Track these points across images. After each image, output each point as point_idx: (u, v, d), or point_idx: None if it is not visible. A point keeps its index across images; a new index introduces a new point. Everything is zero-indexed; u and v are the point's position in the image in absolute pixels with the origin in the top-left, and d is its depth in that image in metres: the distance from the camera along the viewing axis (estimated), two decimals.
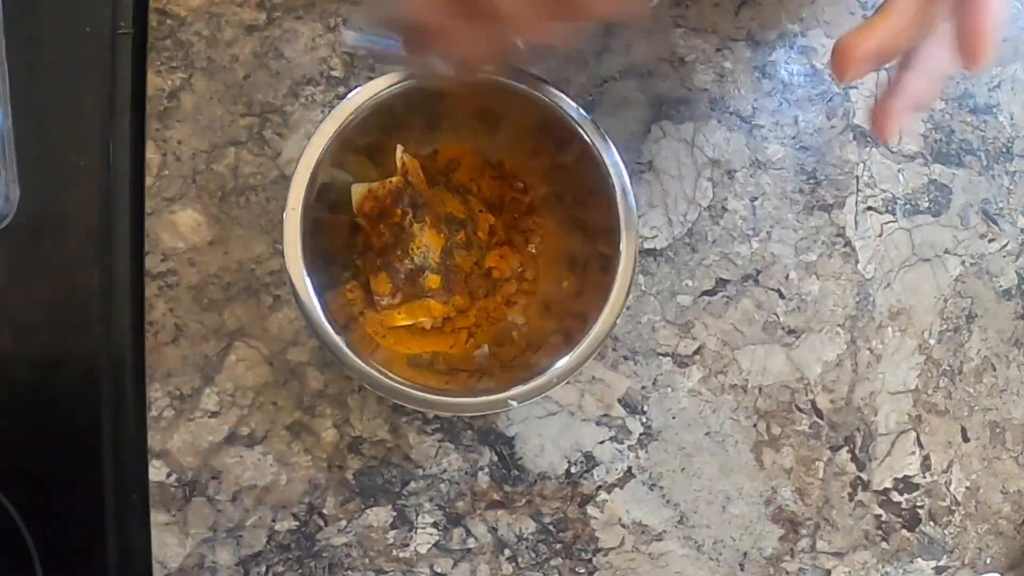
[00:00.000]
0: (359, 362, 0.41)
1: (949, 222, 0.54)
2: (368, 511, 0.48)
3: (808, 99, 0.53)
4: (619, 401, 0.50)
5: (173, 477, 0.47)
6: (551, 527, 0.49)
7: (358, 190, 0.46)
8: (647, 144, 0.51)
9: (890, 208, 0.53)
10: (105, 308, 0.47)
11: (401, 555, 0.48)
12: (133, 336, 0.47)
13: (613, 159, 0.43)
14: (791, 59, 0.53)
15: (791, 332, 0.51)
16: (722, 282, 0.51)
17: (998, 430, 0.53)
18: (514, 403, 0.41)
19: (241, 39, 0.49)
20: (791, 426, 0.51)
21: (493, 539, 0.48)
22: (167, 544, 0.46)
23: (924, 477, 0.52)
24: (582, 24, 0.32)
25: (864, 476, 0.51)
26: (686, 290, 0.51)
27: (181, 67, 0.48)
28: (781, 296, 0.51)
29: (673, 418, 0.50)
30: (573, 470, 0.49)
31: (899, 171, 0.53)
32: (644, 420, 0.50)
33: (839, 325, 0.52)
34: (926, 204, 0.53)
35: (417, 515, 0.48)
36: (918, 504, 0.52)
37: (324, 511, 0.47)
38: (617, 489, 0.49)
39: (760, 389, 0.51)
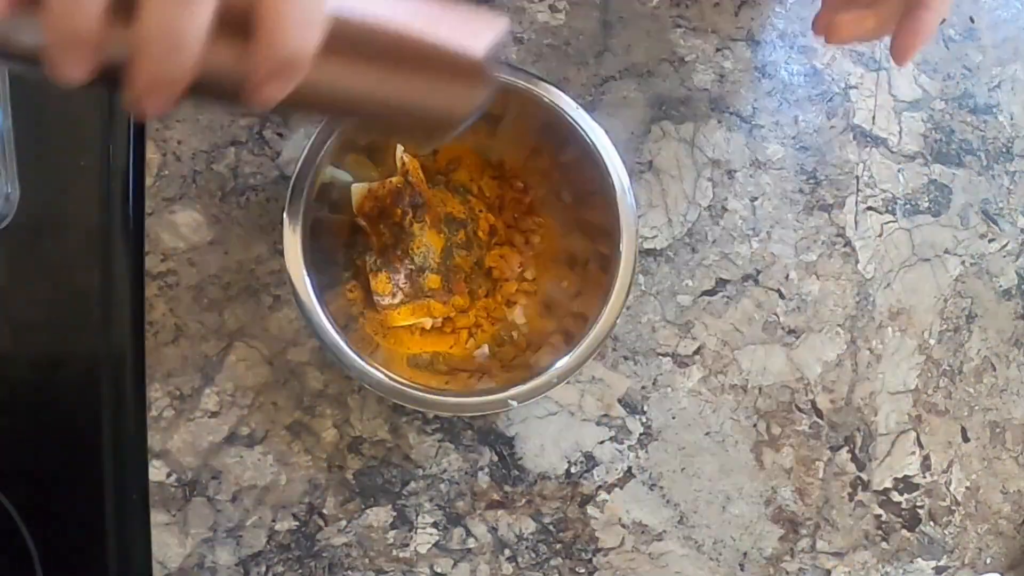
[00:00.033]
0: (359, 362, 0.41)
1: (949, 222, 0.54)
2: (368, 511, 0.48)
3: (808, 99, 0.53)
4: (619, 401, 0.50)
5: (173, 477, 0.47)
6: (551, 527, 0.49)
7: (358, 190, 0.46)
8: (647, 144, 0.51)
9: (890, 208, 0.53)
10: (105, 308, 0.46)
11: (401, 555, 0.48)
12: (133, 336, 0.47)
13: (613, 159, 0.43)
14: (791, 59, 0.53)
15: (791, 332, 0.51)
16: (722, 282, 0.51)
17: (998, 430, 0.53)
18: (514, 403, 0.41)
19: None
20: (791, 426, 0.51)
21: (493, 539, 0.48)
22: (167, 544, 0.46)
23: (924, 477, 0.52)
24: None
25: (864, 476, 0.51)
26: (686, 290, 0.51)
27: None
28: (781, 296, 0.51)
29: (673, 418, 0.50)
30: (573, 470, 0.49)
31: (899, 171, 0.53)
32: (644, 420, 0.50)
33: (839, 325, 0.52)
34: (926, 204, 0.53)
35: (417, 515, 0.48)
36: (918, 504, 0.52)
37: (324, 511, 0.47)
38: (617, 489, 0.49)
39: (760, 389, 0.51)
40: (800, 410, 0.51)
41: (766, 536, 0.50)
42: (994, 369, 0.53)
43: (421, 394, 0.41)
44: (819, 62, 0.53)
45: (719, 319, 0.51)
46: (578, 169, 0.44)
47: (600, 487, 0.49)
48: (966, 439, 0.53)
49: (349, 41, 0.28)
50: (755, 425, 0.51)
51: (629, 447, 0.50)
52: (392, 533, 0.48)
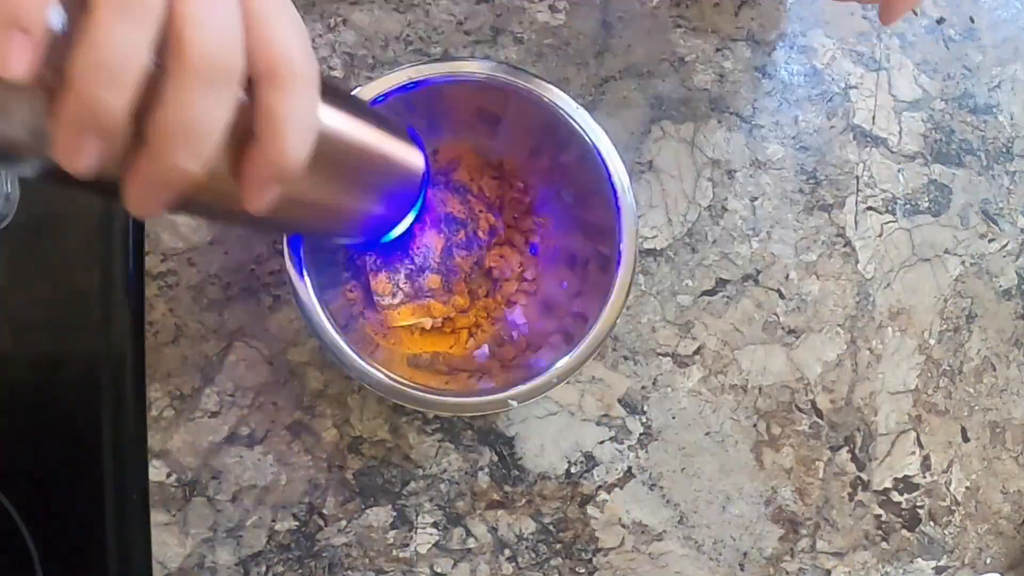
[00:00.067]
0: (359, 362, 0.41)
1: (949, 222, 0.54)
2: (368, 511, 0.48)
3: (808, 99, 0.53)
4: (619, 401, 0.50)
5: (173, 477, 0.47)
6: (551, 527, 0.49)
7: None
8: (647, 144, 0.51)
9: (890, 208, 0.53)
10: (105, 308, 0.47)
11: (401, 555, 0.48)
12: (133, 336, 0.47)
13: (613, 159, 0.43)
14: (791, 59, 0.53)
15: (791, 332, 0.51)
16: (722, 282, 0.51)
17: (998, 430, 0.53)
18: (514, 403, 0.41)
19: None
20: (791, 426, 0.51)
21: (493, 539, 0.48)
22: (167, 544, 0.46)
23: (924, 477, 0.52)
24: None
25: (864, 476, 0.51)
26: (686, 290, 0.51)
27: None
28: (781, 296, 0.51)
29: (673, 418, 0.50)
30: (573, 470, 0.49)
31: (899, 171, 0.53)
32: (644, 420, 0.50)
33: (839, 325, 0.52)
34: (926, 204, 0.53)
35: (417, 515, 0.48)
36: (918, 504, 0.52)
37: (324, 511, 0.47)
38: (617, 489, 0.49)
39: (760, 389, 0.51)
40: (800, 410, 0.51)
41: (766, 536, 0.50)
42: (994, 369, 0.53)
43: (421, 394, 0.41)
44: (819, 62, 0.53)
45: (719, 319, 0.51)
46: (578, 169, 0.44)
47: (600, 487, 0.49)
48: (966, 439, 0.53)
49: (327, 149, 0.31)
50: (755, 425, 0.51)
51: (629, 447, 0.50)
52: (392, 533, 0.48)
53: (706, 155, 0.52)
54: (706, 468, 0.50)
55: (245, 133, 0.26)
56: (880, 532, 0.51)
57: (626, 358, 0.50)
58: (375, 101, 0.42)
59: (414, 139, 0.39)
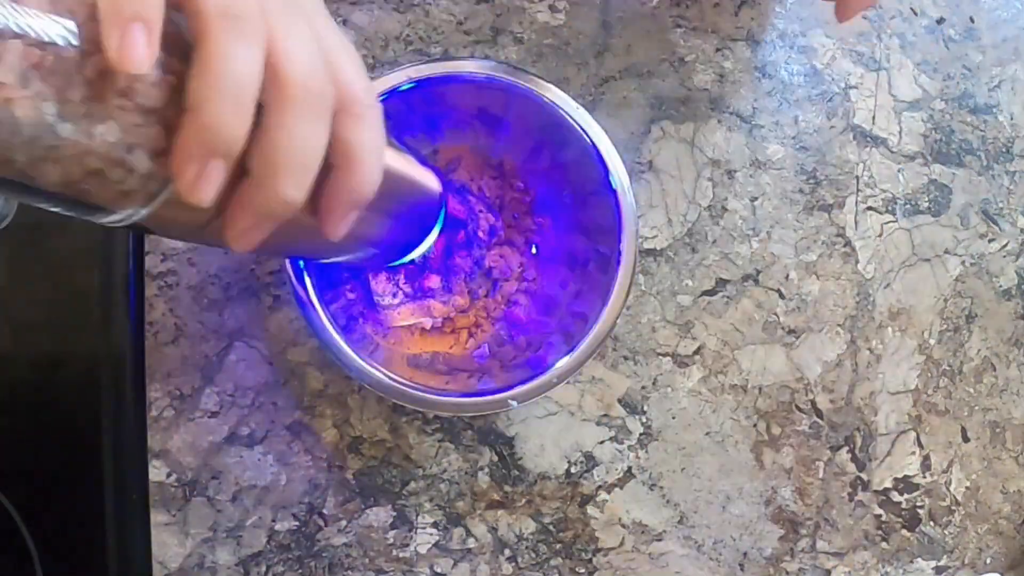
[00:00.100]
0: (359, 362, 0.41)
1: (949, 222, 0.54)
2: (368, 511, 0.48)
3: (808, 99, 0.53)
4: (619, 401, 0.50)
5: (173, 477, 0.47)
6: (551, 527, 0.49)
7: None
8: (647, 144, 0.51)
9: (890, 208, 0.53)
10: (105, 308, 0.47)
11: (401, 555, 0.48)
12: (133, 336, 0.47)
13: (613, 159, 0.43)
14: (791, 59, 0.53)
15: (791, 332, 0.51)
16: (722, 282, 0.51)
17: (998, 430, 0.53)
18: (514, 403, 0.41)
19: None
20: (791, 426, 0.51)
21: (493, 539, 0.48)
22: (167, 544, 0.46)
23: (924, 477, 0.52)
24: None
25: (864, 476, 0.51)
26: (686, 290, 0.51)
27: None
28: (781, 296, 0.51)
29: (673, 418, 0.50)
30: (573, 470, 0.49)
31: (899, 171, 0.53)
32: (644, 420, 0.50)
33: (839, 325, 0.52)
34: (926, 204, 0.53)
35: (417, 515, 0.48)
36: (918, 504, 0.52)
37: (324, 511, 0.47)
38: (617, 489, 0.49)
39: (760, 389, 0.51)
40: (800, 410, 0.51)
41: (766, 536, 0.50)
42: (994, 369, 0.53)
43: (421, 394, 0.41)
44: (819, 62, 0.53)
45: (719, 319, 0.51)
46: (578, 169, 0.44)
47: (600, 487, 0.49)
48: (966, 439, 0.53)
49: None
50: (755, 425, 0.51)
51: (629, 447, 0.50)
52: (392, 533, 0.48)
53: (706, 155, 0.52)
54: (706, 468, 0.50)
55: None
56: (880, 532, 0.51)
57: (626, 358, 0.50)
58: None
59: (424, 163, 0.40)
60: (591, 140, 0.43)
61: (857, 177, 0.53)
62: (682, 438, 0.50)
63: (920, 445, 0.52)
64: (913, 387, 0.52)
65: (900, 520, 0.52)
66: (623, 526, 0.49)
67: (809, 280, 0.52)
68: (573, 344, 0.42)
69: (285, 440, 0.47)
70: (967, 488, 0.52)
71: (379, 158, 0.28)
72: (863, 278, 0.52)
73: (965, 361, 0.53)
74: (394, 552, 0.48)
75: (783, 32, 0.53)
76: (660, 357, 0.50)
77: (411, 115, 0.44)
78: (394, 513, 0.48)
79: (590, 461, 0.49)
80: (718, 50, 0.52)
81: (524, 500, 0.49)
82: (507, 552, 0.48)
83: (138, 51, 0.21)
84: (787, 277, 0.52)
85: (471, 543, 0.48)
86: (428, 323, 0.47)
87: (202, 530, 0.47)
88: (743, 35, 0.52)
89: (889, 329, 0.52)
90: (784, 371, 0.51)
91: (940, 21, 0.55)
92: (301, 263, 0.41)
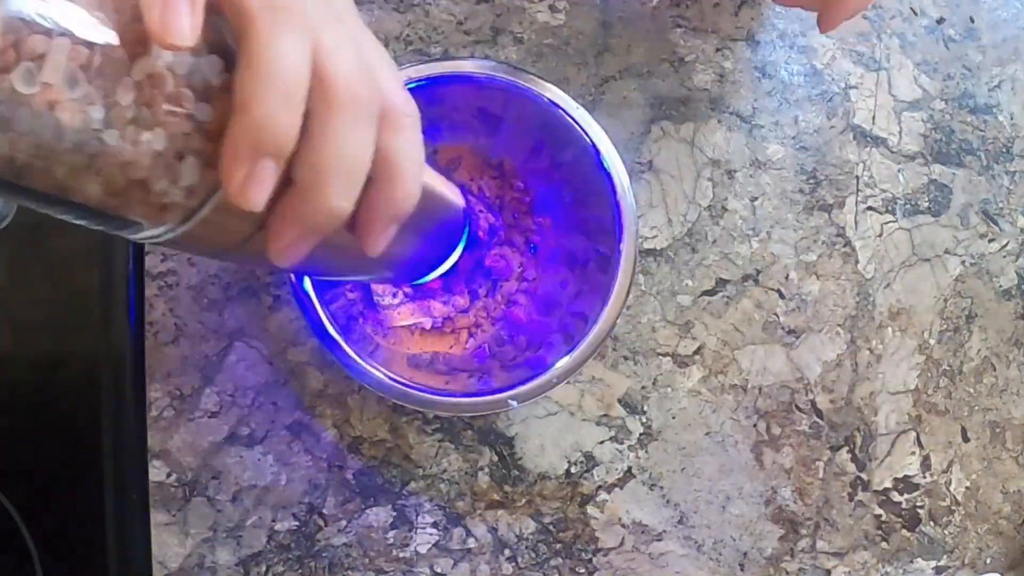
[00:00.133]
0: (359, 362, 0.41)
1: (949, 222, 0.54)
2: (368, 511, 0.48)
3: (808, 99, 0.53)
4: (619, 401, 0.50)
5: (173, 477, 0.47)
6: (551, 527, 0.49)
7: None
8: (647, 144, 0.51)
9: (890, 208, 0.53)
10: (105, 308, 0.47)
11: (401, 555, 0.48)
12: (133, 336, 0.47)
13: (613, 159, 0.43)
14: (791, 59, 0.53)
15: (791, 332, 0.51)
16: (722, 282, 0.51)
17: (998, 430, 0.53)
18: (514, 403, 0.41)
19: None
20: (791, 426, 0.51)
21: (493, 539, 0.48)
22: (167, 544, 0.46)
23: (924, 477, 0.52)
24: None
25: (864, 476, 0.51)
26: (686, 290, 0.51)
27: None
28: (781, 296, 0.51)
29: (673, 418, 0.50)
30: (573, 470, 0.49)
31: (899, 171, 0.53)
32: (644, 420, 0.50)
33: (839, 325, 0.52)
34: (926, 204, 0.53)
35: (417, 515, 0.48)
36: (918, 504, 0.52)
37: (324, 511, 0.47)
38: (617, 489, 0.49)
39: (760, 389, 0.51)
40: (800, 410, 0.51)
41: (766, 536, 0.50)
42: (994, 369, 0.53)
43: (421, 394, 0.41)
44: (819, 62, 0.53)
45: (719, 319, 0.51)
46: (578, 169, 0.44)
47: (600, 487, 0.49)
48: (966, 439, 0.53)
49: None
50: (755, 425, 0.51)
51: (629, 447, 0.50)
52: (392, 533, 0.48)
53: (706, 155, 0.52)
54: (706, 468, 0.50)
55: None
56: (880, 532, 0.51)
57: (626, 358, 0.50)
58: None
59: (450, 178, 0.40)
60: (591, 140, 0.43)
61: (857, 177, 0.53)
62: (682, 438, 0.50)
63: (920, 445, 0.52)
64: (913, 387, 0.52)
65: (900, 520, 0.52)
66: (623, 526, 0.49)
67: (809, 280, 0.52)
68: (573, 344, 0.42)
69: (285, 440, 0.47)
70: (967, 488, 0.52)
71: (420, 170, 0.27)
72: (863, 278, 0.52)
73: (965, 361, 0.53)
74: (394, 552, 0.48)
75: (783, 32, 0.53)
76: (660, 357, 0.50)
77: None
78: (394, 513, 0.48)
79: (590, 461, 0.49)
80: (718, 50, 0.52)
81: (524, 500, 0.49)
82: (507, 552, 0.48)
83: (181, 21, 0.19)
84: (787, 277, 0.52)
85: (471, 543, 0.48)
86: (428, 323, 0.47)
87: (202, 530, 0.47)
88: (743, 35, 0.52)
89: (889, 329, 0.52)
90: (784, 371, 0.51)
91: (940, 21, 0.55)
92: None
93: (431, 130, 0.47)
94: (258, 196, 0.22)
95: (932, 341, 0.53)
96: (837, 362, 0.52)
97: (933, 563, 0.52)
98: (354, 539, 0.48)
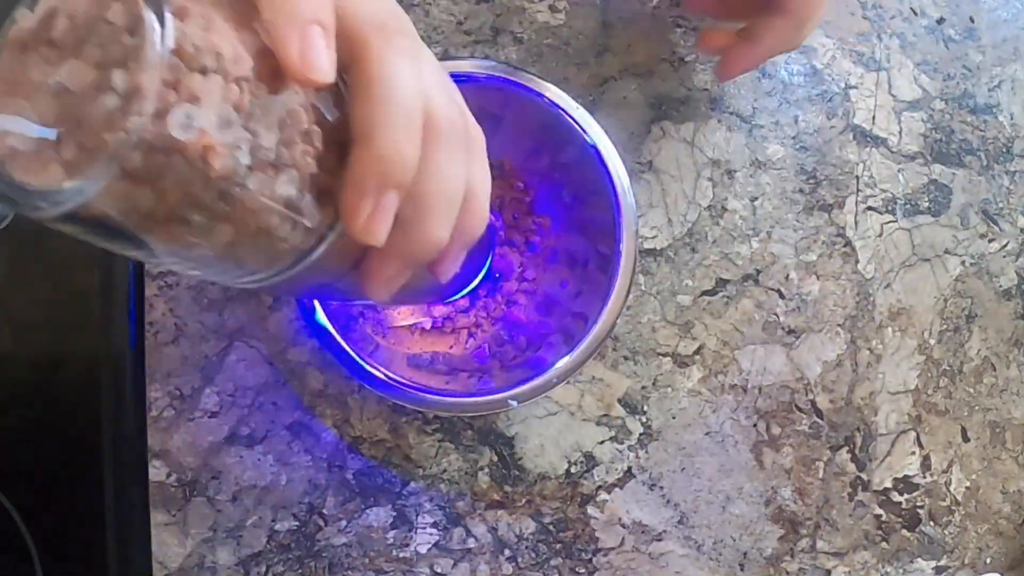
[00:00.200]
0: (359, 362, 0.41)
1: (949, 222, 0.54)
2: (368, 511, 0.48)
3: (808, 99, 0.53)
4: (619, 401, 0.50)
5: (173, 477, 0.47)
6: (551, 527, 0.49)
7: None
8: (647, 144, 0.51)
9: (890, 208, 0.53)
10: (105, 308, 0.47)
11: (401, 555, 0.48)
12: (133, 336, 0.47)
13: (613, 159, 0.43)
14: (791, 59, 0.53)
15: (791, 332, 0.51)
16: (722, 282, 0.51)
17: (998, 430, 0.53)
18: (514, 403, 0.41)
19: None
20: (791, 426, 0.51)
21: (493, 539, 0.48)
22: (167, 544, 0.46)
23: (924, 477, 0.52)
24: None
25: (864, 476, 0.51)
26: (686, 290, 0.51)
27: None
28: (781, 296, 0.51)
29: (673, 418, 0.50)
30: (573, 470, 0.49)
31: (899, 171, 0.53)
32: (644, 420, 0.50)
33: (839, 325, 0.52)
34: (926, 204, 0.53)
35: (417, 515, 0.48)
36: (918, 504, 0.52)
37: (324, 511, 0.47)
38: (617, 489, 0.49)
39: (760, 389, 0.51)
40: (800, 410, 0.51)
41: (766, 536, 0.50)
42: (994, 369, 0.53)
43: (421, 394, 0.41)
44: (819, 62, 0.53)
45: (719, 319, 0.51)
46: (578, 169, 0.44)
47: (600, 487, 0.49)
48: (966, 439, 0.53)
49: None
50: (755, 425, 0.51)
51: (629, 447, 0.50)
52: (392, 533, 0.48)
53: (706, 155, 0.52)
54: (706, 468, 0.50)
55: None
56: (880, 532, 0.51)
57: (626, 358, 0.50)
58: None
59: None
60: (591, 140, 0.43)
61: (857, 177, 0.53)
62: (682, 438, 0.50)
63: (920, 445, 0.52)
64: (913, 387, 0.52)
65: (900, 520, 0.52)
66: (623, 526, 0.49)
67: (809, 280, 0.52)
68: (573, 344, 0.42)
69: (285, 440, 0.47)
70: (967, 488, 0.52)
71: (488, 196, 0.26)
72: (863, 278, 0.52)
73: (965, 361, 0.53)
74: (394, 552, 0.48)
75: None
76: (660, 357, 0.50)
77: None
78: (394, 513, 0.48)
79: (590, 461, 0.49)
80: None
81: (524, 500, 0.49)
82: (507, 552, 0.48)
83: (321, 57, 0.18)
84: (787, 277, 0.52)
85: (471, 543, 0.48)
86: (428, 323, 0.47)
87: (202, 530, 0.47)
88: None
89: (889, 329, 0.52)
90: (784, 371, 0.51)
91: (940, 21, 0.55)
92: None
93: None
94: (382, 232, 0.21)
95: (932, 341, 0.53)
96: (837, 362, 0.52)
97: (933, 563, 0.52)
98: (354, 539, 0.48)
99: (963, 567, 0.52)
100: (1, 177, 0.17)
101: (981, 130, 0.54)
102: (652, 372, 0.50)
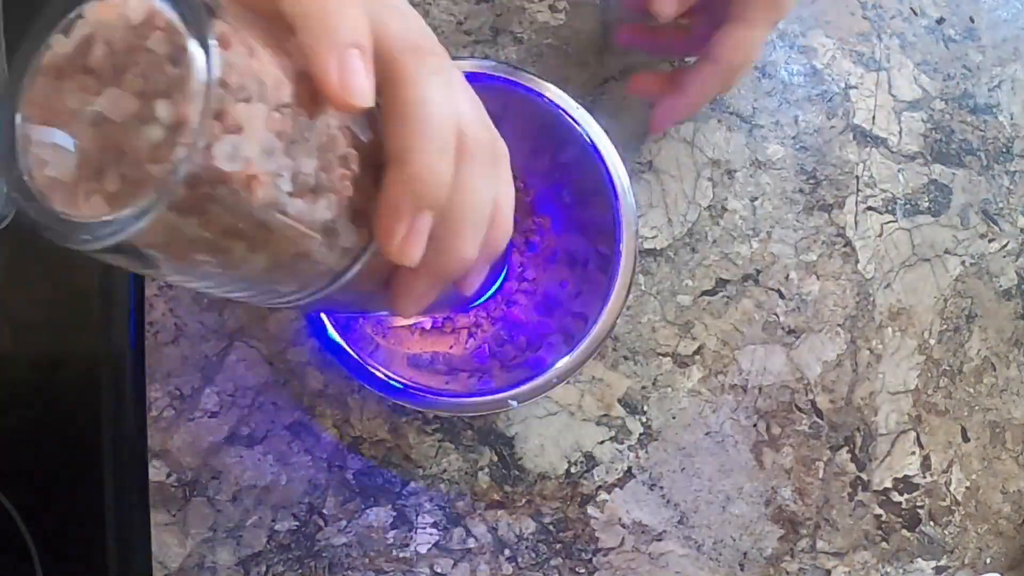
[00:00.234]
0: (359, 362, 0.41)
1: (949, 222, 0.54)
2: (368, 511, 0.48)
3: (808, 99, 0.53)
4: (619, 401, 0.50)
5: (173, 477, 0.47)
6: (551, 527, 0.49)
7: None
8: (647, 144, 0.51)
9: (890, 208, 0.53)
10: (105, 308, 0.47)
11: (401, 555, 0.48)
12: (133, 336, 0.47)
13: (613, 159, 0.43)
14: (791, 59, 0.53)
15: (791, 332, 0.51)
16: (722, 282, 0.51)
17: (998, 430, 0.53)
18: (514, 403, 0.41)
19: None
20: (791, 426, 0.51)
21: (493, 539, 0.48)
22: (167, 544, 0.46)
23: (924, 477, 0.52)
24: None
25: (864, 476, 0.51)
26: (686, 290, 0.51)
27: None
28: (781, 296, 0.51)
29: (673, 418, 0.50)
30: (573, 470, 0.49)
31: (899, 171, 0.53)
32: (644, 420, 0.50)
33: (839, 325, 0.52)
34: (926, 204, 0.53)
35: (417, 515, 0.48)
36: (918, 504, 0.52)
37: (324, 511, 0.47)
38: (617, 489, 0.49)
39: (760, 389, 0.51)
40: (800, 410, 0.51)
41: (766, 536, 0.50)
42: (994, 369, 0.53)
43: (421, 394, 0.41)
44: (819, 62, 0.53)
45: (719, 319, 0.51)
46: (578, 169, 0.44)
47: (600, 487, 0.49)
48: (966, 439, 0.53)
49: None
50: (755, 425, 0.51)
51: (629, 447, 0.50)
52: (392, 533, 0.48)
53: (706, 155, 0.52)
54: (706, 468, 0.50)
55: None
56: (880, 532, 0.51)
57: (626, 358, 0.50)
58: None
59: None
60: (591, 140, 0.43)
61: (857, 177, 0.53)
62: (682, 438, 0.50)
63: (920, 445, 0.52)
64: (913, 387, 0.52)
65: (900, 520, 0.52)
66: (623, 526, 0.49)
67: (809, 280, 0.52)
68: (573, 344, 0.42)
69: (285, 440, 0.47)
70: (967, 488, 0.52)
71: (512, 210, 0.26)
72: (863, 278, 0.52)
73: (965, 361, 0.53)
74: (394, 552, 0.48)
75: (783, 32, 0.53)
76: (660, 357, 0.50)
77: None
78: (394, 513, 0.48)
79: (590, 461, 0.49)
80: None
81: (524, 500, 0.49)
82: (507, 552, 0.48)
83: (361, 81, 0.18)
84: (787, 277, 0.52)
85: (471, 543, 0.48)
86: (428, 323, 0.47)
87: (202, 530, 0.47)
88: None
89: (889, 329, 0.52)
90: (784, 371, 0.51)
91: (940, 21, 0.55)
92: None
93: None
94: (417, 252, 0.21)
95: (932, 341, 0.53)
96: (837, 362, 0.52)
97: (933, 563, 0.52)
98: (354, 539, 0.48)
99: (963, 567, 0.52)
100: (43, 209, 0.17)
101: (981, 130, 0.54)
102: (652, 372, 0.50)
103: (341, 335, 0.41)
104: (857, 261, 0.52)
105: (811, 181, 0.52)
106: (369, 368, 0.41)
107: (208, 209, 0.16)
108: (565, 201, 0.47)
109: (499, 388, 0.42)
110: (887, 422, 0.52)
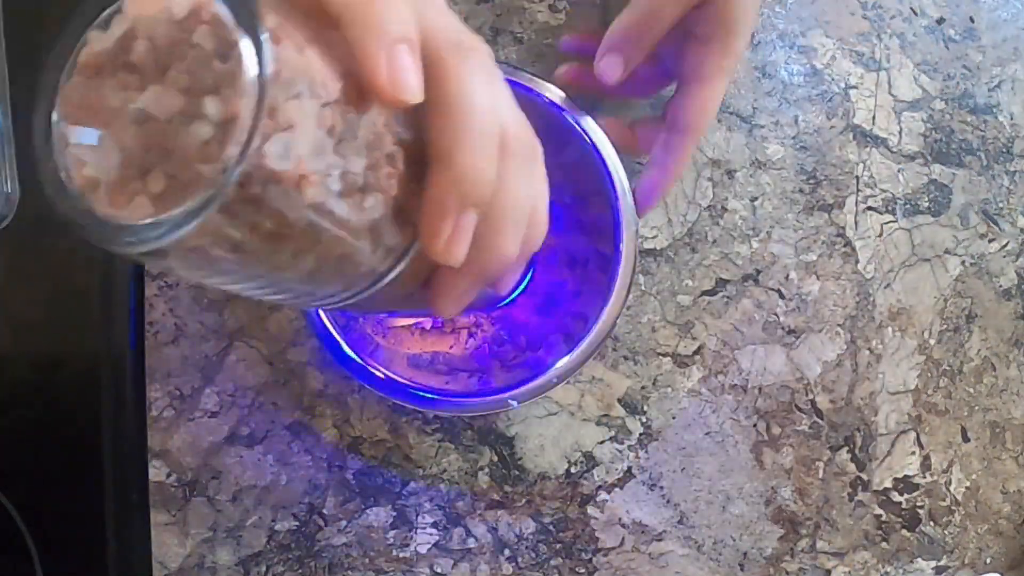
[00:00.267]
0: (359, 362, 0.41)
1: (949, 222, 0.54)
2: (368, 511, 0.48)
3: (808, 99, 0.53)
4: (619, 401, 0.50)
5: (173, 477, 0.47)
6: (551, 527, 0.49)
7: None
8: None
9: (890, 208, 0.53)
10: (105, 308, 0.47)
11: (401, 555, 0.48)
12: (133, 336, 0.47)
13: (613, 159, 0.43)
14: (791, 59, 0.53)
15: (791, 332, 0.51)
16: (722, 282, 0.51)
17: (998, 430, 0.53)
18: (514, 403, 0.41)
19: None
20: (791, 426, 0.51)
21: (493, 539, 0.48)
22: (167, 544, 0.46)
23: (924, 477, 0.52)
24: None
25: (864, 476, 0.51)
26: (686, 290, 0.51)
27: None
28: (781, 296, 0.51)
29: (673, 418, 0.50)
30: (573, 470, 0.49)
31: (899, 171, 0.53)
32: (644, 420, 0.50)
33: (839, 325, 0.52)
34: (926, 204, 0.53)
35: (417, 515, 0.48)
36: (918, 504, 0.52)
37: (324, 511, 0.47)
38: (617, 489, 0.49)
39: (760, 389, 0.51)
40: (800, 410, 0.51)
41: (766, 536, 0.50)
42: (994, 369, 0.53)
43: (421, 394, 0.41)
44: (819, 62, 0.53)
45: (719, 319, 0.51)
46: (578, 169, 0.44)
47: (600, 487, 0.49)
48: (966, 439, 0.53)
49: None
50: (755, 425, 0.51)
51: (629, 447, 0.50)
52: (392, 533, 0.48)
53: (706, 155, 0.52)
54: (706, 468, 0.50)
55: None
56: (880, 532, 0.51)
57: (626, 358, 0.50)
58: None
59: None
60: (591, 140, 0.43)
61: (857, 177, 0.53)
62: (682, 438, 0.50)
63: (920, 445, 0.52)
64: (913, 387, 0.52)
65: (900, 520, 0.52)
66: (623, 526, 0.49)
67: (809, 280, 0.52)
68: (573, 344, 0.42)
69: (285, 440, 0.47)
70: (967, 488, 0.52)
71: (548, 207, 0.26)
72: (863, 278, 0.52)
73: (965, 361, 0.53)
74: (394, 552, 0.48)
75: (783, 32, 0.53)
76: (660, 357, 0.50)
77: None
78: (394, 513, 0.48)
79: (590, 461, 0.49)
80: None
81: (524, 500, 0.49)
82: (507, 552, 0.48)
83: (410, 76, 0.18)
84: (787, 277, 0.52)
85: (471, 543, 0.48)
86: (428, 323, 0.47)
87: (202, 530, 0.47)
88: None
89: (889, 329, 0.52)
90: (784, 371, 0.51)
91: (940, 21, 0.55)
92: None
93: None
94: (462, 252, 0.20)
95: (932, 341, 0.53)
96: (837, 362, 0.52)
97: (933, 563, 0.52)
98: (354, 539, 0.48)
99: (963, 567, 0.52)
100: (83, 211, 0.16)
101: (981, 130, 0.54)
102: (652, 372, 0.50)
103: (341, 335, 0.41)
104: (857, 261, 0.52)
105: (811, 181, 0.52)
106: (369, 368, 0.41)
107: (256, 210, 0.16)
108: (565, 201, 0.47)
109: (499, 388, 0.42)
110: (887, 422, 0.52)
